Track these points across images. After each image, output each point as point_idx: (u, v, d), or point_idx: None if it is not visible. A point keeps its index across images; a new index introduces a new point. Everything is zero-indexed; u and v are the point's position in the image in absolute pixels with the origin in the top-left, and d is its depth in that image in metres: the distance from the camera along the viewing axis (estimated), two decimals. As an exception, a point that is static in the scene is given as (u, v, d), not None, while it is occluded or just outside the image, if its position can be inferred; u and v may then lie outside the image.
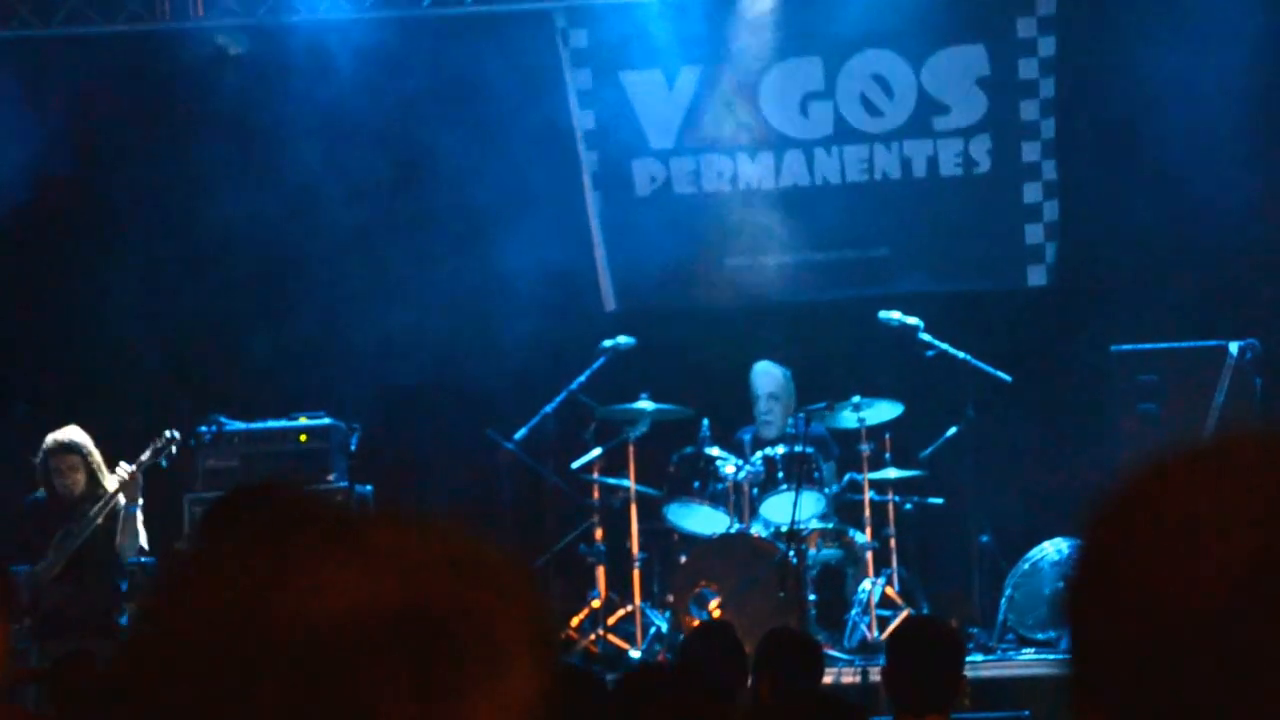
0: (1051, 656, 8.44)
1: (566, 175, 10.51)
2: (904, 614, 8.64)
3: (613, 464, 9.25)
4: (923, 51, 10.29)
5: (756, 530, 8.96)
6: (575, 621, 9.03)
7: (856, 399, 9.06)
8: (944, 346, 9.26)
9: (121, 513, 8.27)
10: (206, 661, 1.03)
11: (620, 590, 9.13)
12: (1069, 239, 10.28)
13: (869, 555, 8.96)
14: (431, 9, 10.32)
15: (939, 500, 9.27)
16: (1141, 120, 9.73)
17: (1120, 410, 9.23)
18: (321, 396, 9.77)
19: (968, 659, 5.92)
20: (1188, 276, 9.80)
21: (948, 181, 10.38)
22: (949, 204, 10.38)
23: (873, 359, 9.72)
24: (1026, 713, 7.93)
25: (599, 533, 9.25)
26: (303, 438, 9.34)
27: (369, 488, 9.30)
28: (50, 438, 8.30)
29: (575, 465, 9.26)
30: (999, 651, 8.72)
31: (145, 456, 8.34)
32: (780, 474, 8.99)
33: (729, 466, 9.07)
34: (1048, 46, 10.22)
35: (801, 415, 9.10)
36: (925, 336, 9.30)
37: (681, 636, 8.12)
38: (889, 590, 8.88)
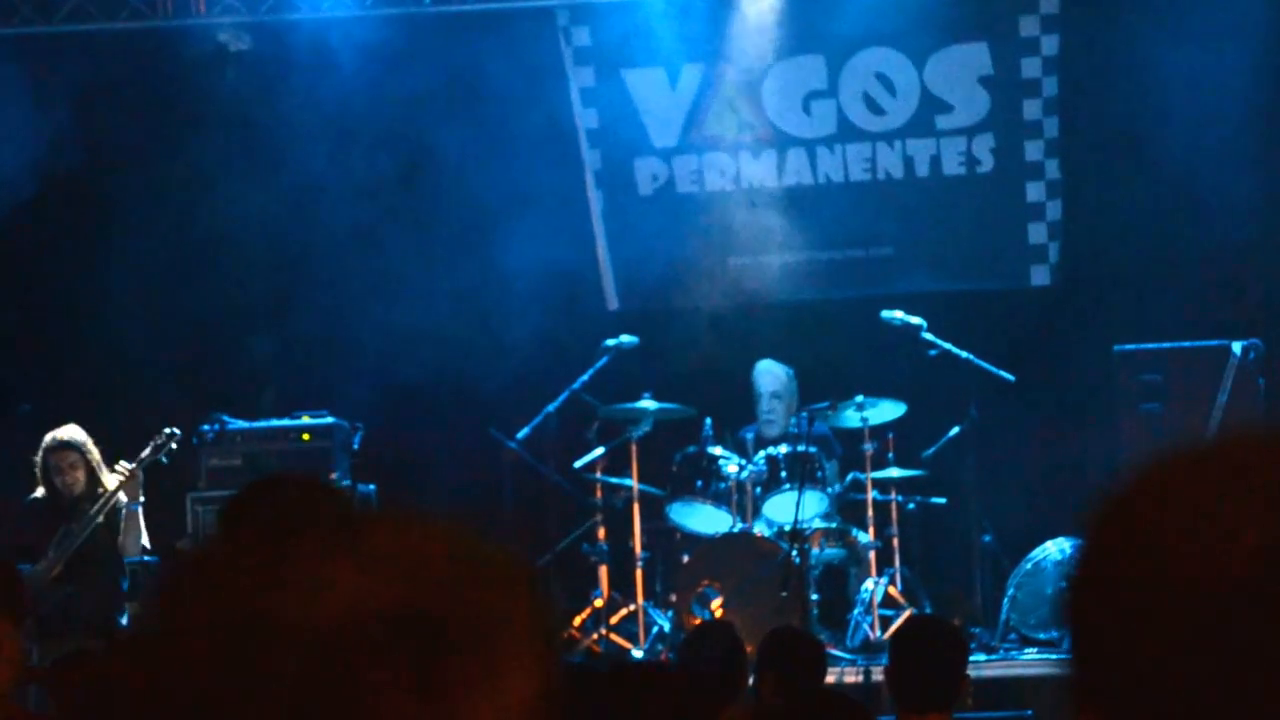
0: (1054, 656, 8.43)
1: (569, 174, 10.50)
2: (906, 613, 8.64)
3: (615, 463, 9.24)
4: (925, 50, 10.28)
5: (759, 530, 8.96)
6: (578, 621, 9.03)
7: (859, 398, 9.06)
8: (947, 346, 9.25)
9: (123, 511, 8.27)
10: (207, 661, 1.03)
11: (623, 589, 9.12)
12: (1072, 238, 10.27)
13: (872, 555, 8.96)
14: (434, 6, 10.32)
15: (942, 500, 9.26)
16: (1145, 119, 9.72)
17: (1123, 410, 9.22)
18: (324, 395, 9.77)
19: (970, 658, 5.91)
20: (1191, 276, 9.79)
21: (951, 180, 10.37)
22: (952, 203, 10.37)
23: (876, 358, 9.71)
24: (1029, 712, 7.93)
25: (601, 532, 9.24)
26: (305, 436, 9.34)
27: (372, 487, 9.31)
28: (50, 435, 8.30)
29: (578, 464, 9.25)
30: (1001, 651, 8.71)
31: (145, 454, 8.34)
32: (783, 473, 8.99)
33: (732, 466, 9.06)
34: (1051, 45, 10.21)
35: (804, 414, 9.09)
36: (928, 336, 9.29)
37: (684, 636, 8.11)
38: (891, 590, 8.87)
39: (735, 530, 8.94)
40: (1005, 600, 8.91)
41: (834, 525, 9.07)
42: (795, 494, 8.69)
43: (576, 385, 9.32)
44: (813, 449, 8.98)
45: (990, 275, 10.36)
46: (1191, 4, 9.74)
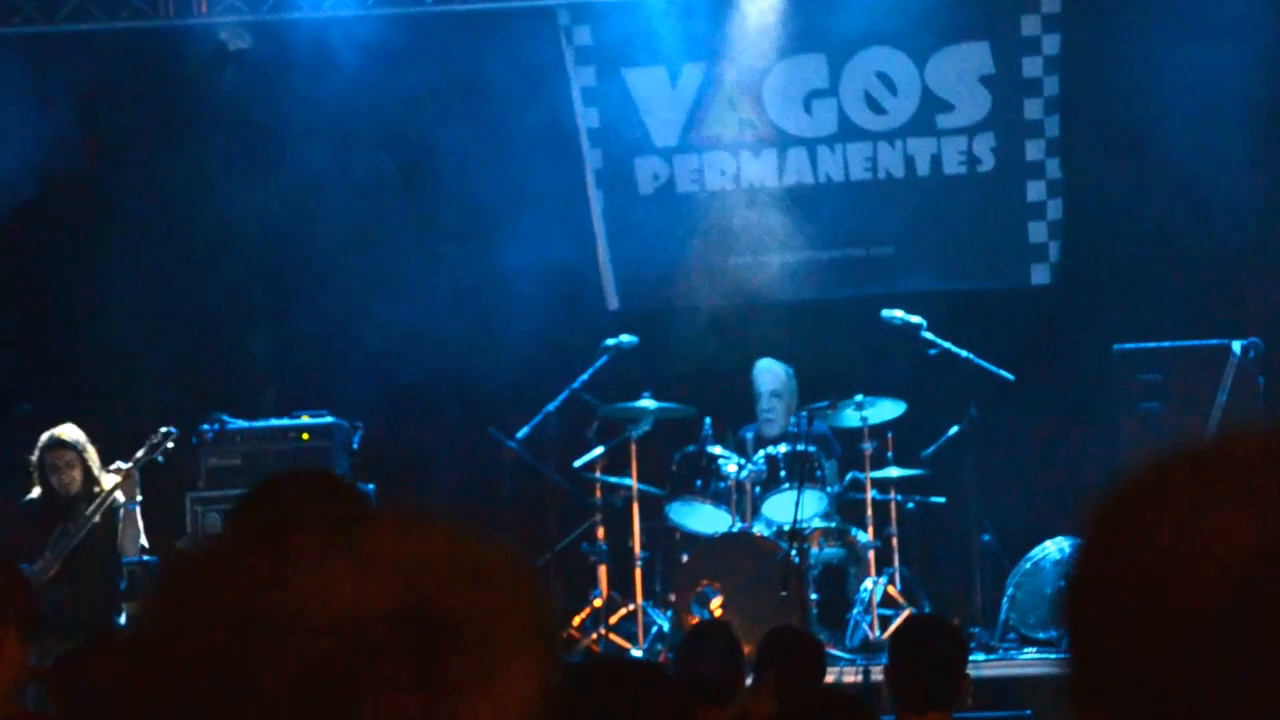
0: (1053, 656, 8.43)
1: (569, 173, 10.49)
2: (906, 613, 8.63)
3: (615, 463, 9.23)
4: (926, 49, 10.27)
5: (758, 529, 8.95)
6: (577, 620, 9.02)
7: (859, 397, 9.05)
8: (947, 345, 9.25)
9: (120, 511, 8.27)
10: (207, 661, 1.03)
11: (622, 589, 9.12)
12: (1072, 238, 10.26)
13: (871, 554, 8.95)
14: (435, 6, 10.31)
15: (941, 499, 9.26)
16: (1145, 119, 9.71)
17: (1123, 409, 9.22)
18: (324, 395, 9.77)
19: (969, 658, 5.91)
20: (1191, 275, 9.79)
21: (951, 180, 10.36)
22: (952, 202, 10.36)
23: (875, 358, 9.71)
24: (1028, 712, 7.92)
25: (601, 531, 9.24)
26: (305, 436, 9.34)
27: (371, 486, 9.30)
28: (46, 434, 8.30)
29: (577, 464, 9.25)
30: (1001, 650, 8.71)
31: (141, 454, 8.34)
32: (782, 473, 8.98)
33: (731, 465, 9.06)
34: (1052, 45, 10.21)
35: (804, 414, 9.08)
36: (928, 335, 9.29)
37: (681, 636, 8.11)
38: (891, 589, 8.86)
39: (735, 530, 8.94)
40: (1004, 600, 8.91)
41: (833, 525, 9.06)
42: (794, 493, 8.68)
43: (576, 384, 9.31)
44: (812, 448, 8.97)
45: (990, 274, 10.35)
46: (1192, 3, 9.74)
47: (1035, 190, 10.33)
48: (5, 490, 8.76)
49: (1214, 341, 9.15)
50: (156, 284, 10.40)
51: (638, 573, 9.05)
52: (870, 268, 10.42)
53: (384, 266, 10.38)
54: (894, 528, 9.05)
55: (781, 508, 8.87)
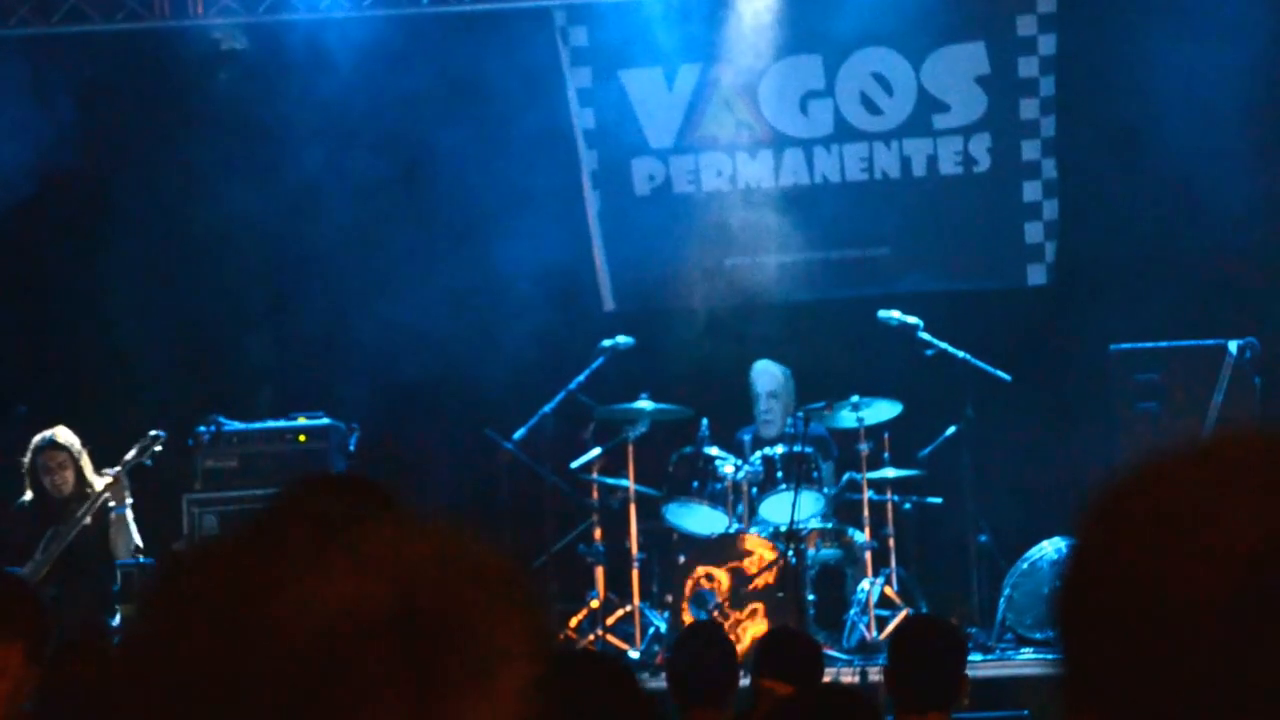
0: (1050, 656, 8.41)
1: (565, 174, 10.49)
2: (903, 613, 8.63)
3: (612, 464, 9.22)
4: (922, 50, 10.28)
5: (755, 530, 8.94)
6: (574, 622, 9.01)
7: (855, 398, 9.04)
8: (943, 346, 9.24)
9: (111, 514, 8.26)
10: (200, 663, 1.03)
11: (619, 590, 9.11)
12: (1069, 238, 10.27)
13: (868, 555, 8.94)
14: (430, 7, 10.30)
15: (938, 500, 9.25)
16: (1141, 119, 9.71)
17: (1120, 409, 9.22)
18: (320, 396, 9.76)
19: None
20: (1187, 275, 9.79)
21: (947, 180, 10.36)
22: (949, 203, 10.36)
23: (872, 358, 9.70)
24: (1025, 712, 7.91)
25: (598, 533, 9.23)
26: (302, 438, 9.33)
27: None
28: (39, 436, 8.30)
29: (574, 465, 9.24)
30: (998, 651, 8.70)
31: (129, 456, 8.33)
32: (779, 474, 8.97)
33: (728, 466, 9.05)
34: (1048, 45, 10.21)
35: (800, 415, 9.08)
36: (924, 336, 9.28)
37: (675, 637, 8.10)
38: (888, 590, 8.86)
39: (731, 531, 8.93)
40: (1001, 600, 8.90)
41: (830, 525, 9.06)
42: (791, 494, 8.68)
43: (573, 386, 9.30)
44: (809, 449, 8.97)
45: (987, 275, 10.36)
46: (1188, 3, 9.74)
47: (1031, 190, 10.33)
48: (4, 492, 8.75)
49: (1210, 341, 9.15)
50: (153, 285, 10.39)
51: (635, 574, 9.03)
52: (867, 268, 10.42)
53: (380, 268, 10.37)
54: (891, 528, 9.04)
55: (778, 509, 8.87)
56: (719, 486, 9.03)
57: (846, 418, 9.10)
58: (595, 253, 10.58)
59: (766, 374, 9.52)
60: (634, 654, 8.80)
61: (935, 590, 9.20)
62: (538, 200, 10.17)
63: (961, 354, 9.23)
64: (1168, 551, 1.05)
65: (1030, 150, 10.29)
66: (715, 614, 8.56)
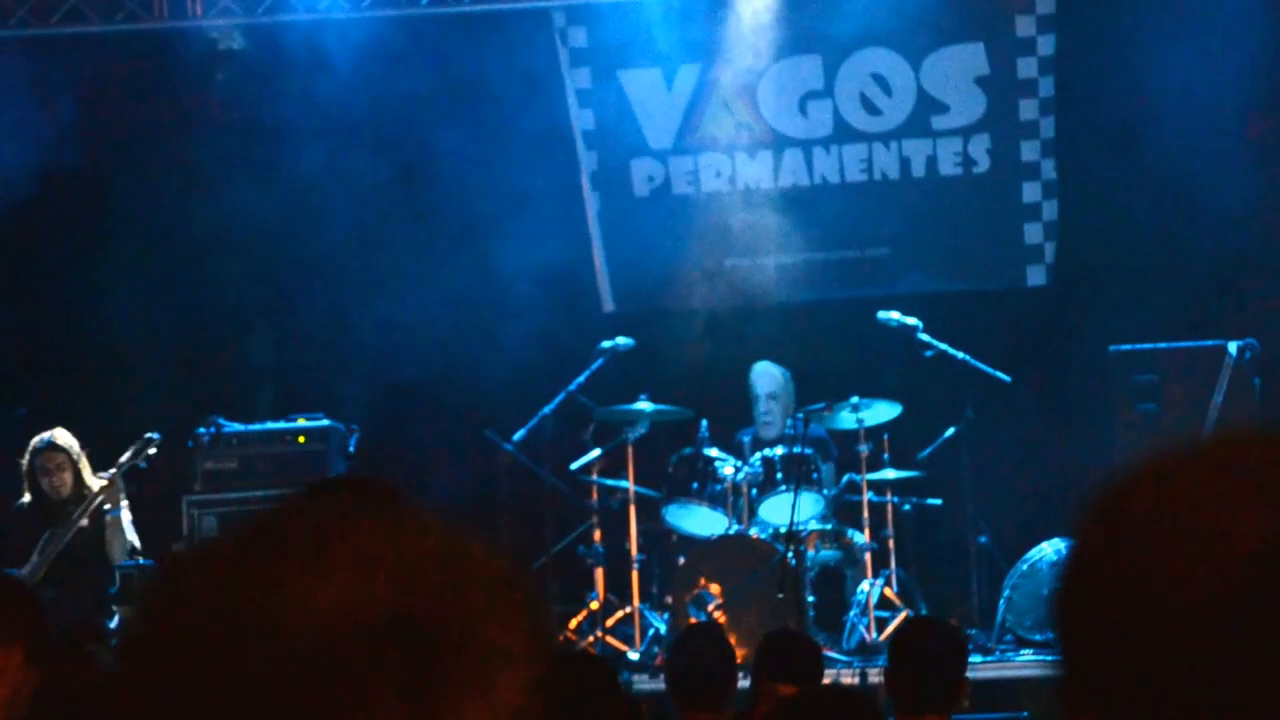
0: (1050, 658, 8.39)
1: (565, 175, 10.48)
2: (902, 615, 8.62)
3: (611, 465, 9.21)
4: (922, 50, 10.27)
5: (755, 531, 8.94)
6: (574, 623, 9.00)
7: (855, 399, 9.03)
8: (943, 347, 9.24)
9: (106, 516, 8.25)
10: (199, 664, 1.02)
11: (619, 592, 9.10)
12: (1068, 239, 10.26)
13: (867, 556, 8.93)
14: (430, 8, 10.30)
15: (937, 501, 9.24)
16: (1141, 119, 9.71)
17: (1119, 410, 9.21)
18: (320, 397, 9.75)
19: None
20: (1187, 276, 9.78)
21: (947, 181, 10.36)
22: (948, 203, 10.36)
23: (872, 359, 9.70)
24: (1025, 714, 7.91)
25: (598, 534, 9.22)
26: (301, 439, 9.32)
27: (367, 489, 9.27)
28: (37, 438, 8.30)
29: (574, 466, 9.23)
30: (997, 652, 8.69)
31: (124, 459, 8.33)
32: (779, 475, 8.96)
33: (728, 468, 9.04)
34: (1047, 45, 10.20)
35: (800, 416, 9.07)
36: (924, 337, 9.27)
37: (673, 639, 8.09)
38: (888, 591, 8.85)
39: (731, 532, 8.92)
40: (1001, 601, 8.89)
41: (830, 527, 9.05)
42: (791, 496, 8.67)
43: (572, 387, 9.29)
44: (808, 450, 8.96)
45: (986, 276, 10.35)
46: (1188, 4, 9.74)
47: (1031, 191, 10.33)
48: (3, 494, 8.75)
49: (1209, 343, 9.14)
50: (153, 286, 10.39)
51: (634, 575, 9.02)
52: (866, 269, 10.42)
53: (380, 269, 10.37)
54: (890, 530, 9.03)
55: (778, 510, 8.86)
56: (719, 488, 9.02)
57: (846, 419, 9.10)
58: (595, 254, 10.57)
59: (766, 375, 9.51)
60: (633, 655, 8.80)
61: (935, 591, 9.19)
62: (537, 201, 10.16)
63: (961, 355, 9.22)
64: (1167, 552, 1.05)
65: (1030, 151, 10.28)
66: (714, 615, 8.55)
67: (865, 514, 8.98)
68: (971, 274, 10.34)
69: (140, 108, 10.42)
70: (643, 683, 8.28)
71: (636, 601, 8.99)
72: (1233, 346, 9.01)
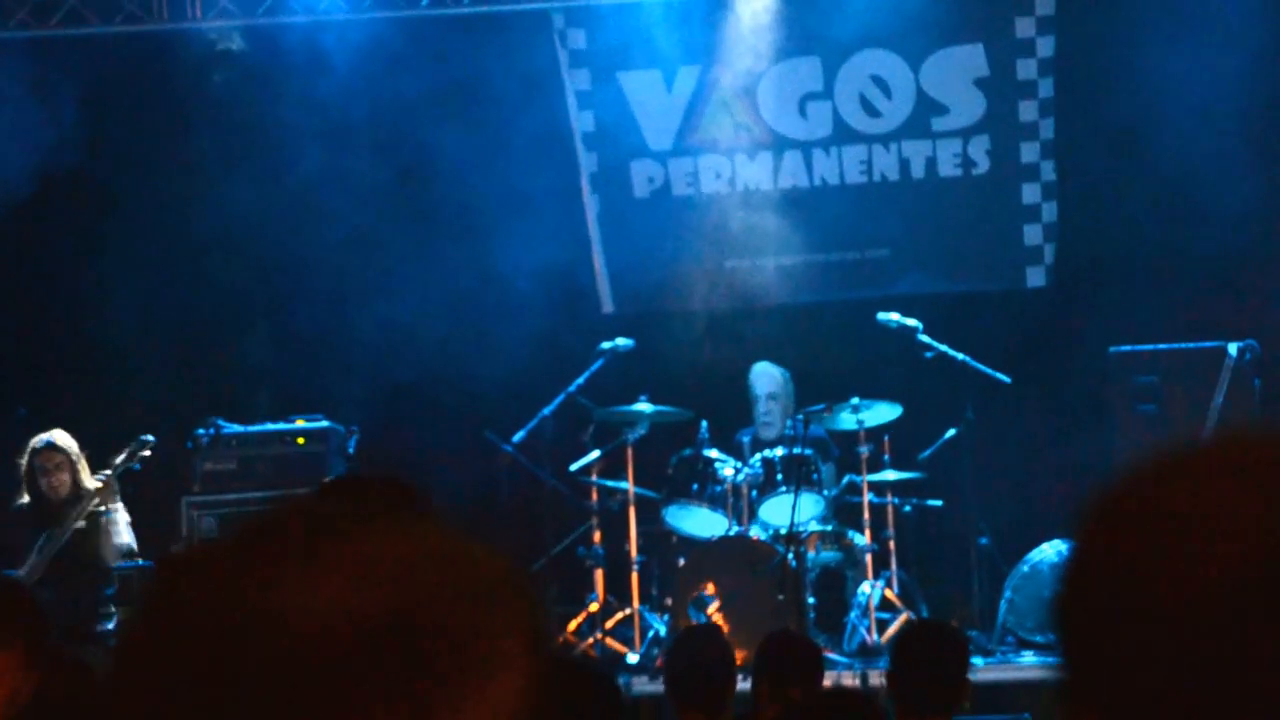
0: (1051, 660, 8.38)
1: (564, 176, 10.47)
2: (903, 617, 8.61)
3: (611, 466, 9.20)
4: (921, 52, 10.26)
5: (755, 533, 8.92)
6: (573, 625, 8.99)
7: (855, 400, 9.02)
8: (943, 348, 9.22)
9: (100, 519, 8.24)
10: (195, 666, 1.02)
11: (619, 593, 9.08)
12: (1068, 240, 10.25)
13: (868, 558, 8.91)
14: (429, 9, 10.29)
15: (938, 502, 9.22)
16: (1140, 121, 9.69)
17: (1120, 412, 9.19)
18: (320, 398, 9.74)
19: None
20: (1186, 277, 9.77)
21: (946, 182, 10.35)
22: (948, 205, 10.34)
23: (872, 360, 9.68)
24: (1026, 716, 7.89)
25: (597, 535, 9.20)
26: (300, 440, 9.31)
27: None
28: (36, 438, 8.29)
29: (574, 467, 9.21)
30: (998, 654, 8.68)
31: (118, 460, 8.31)
32: (779, 476, 8.94)
33: (728, 469, 9.03)
34: (1046, 47, 10.19)
35: (800, 417, 9.06)
36: (924, 338, 9.25)
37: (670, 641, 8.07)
38: (888, 593, 8.83)
39: (731, 533, 8.91)
40: (1002, 603, 8.88)
41: (830, 528, 9.03)
42: (791, 497, 8.65)
43: (572, 388, 9.28)
44: (809, 451, 8.94)
45: (986, 277, 10.34)
46: (1187, 5, 9.73)
47: (1030, 193, 10.32)
48: (4, 495, 8.74)
49: (1209, 344, 9.13)
50: (152, 287, 10.37)
51: (634, 577, 9.01)
52: (866, 270, 10.41)
53: (379, 269, 10.36)
54: (891, 531, 9.01)
55: (778, 511, 8.84)
56: (719, 489, 9.00)
57: (846, 420, 9.08)
58: (594, 255, 10.56)
59: (766, 376, 9.50)
60: (633, 657, 8.78)
61: (935, 593, 9.17)
62: (536, 203, 10.15)
63: (961, 356, 9.20)
64: (1167, 552, 1.05)
65: (1029, 152, 10.27)
66: (714, 617, 8.53)
67: (866, 515, 8.96)
68: (971, 275, 10.33)
69: (139, 109, 10.41)
70: (642, 685, 8.26)
71: (636, 603, 8.97)
72: (1233, 348, 8.99)
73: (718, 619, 8.49)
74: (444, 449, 10.01)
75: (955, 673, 4.56)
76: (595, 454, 9.16)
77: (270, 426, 9.43)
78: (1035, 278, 10.33)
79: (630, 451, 9.10)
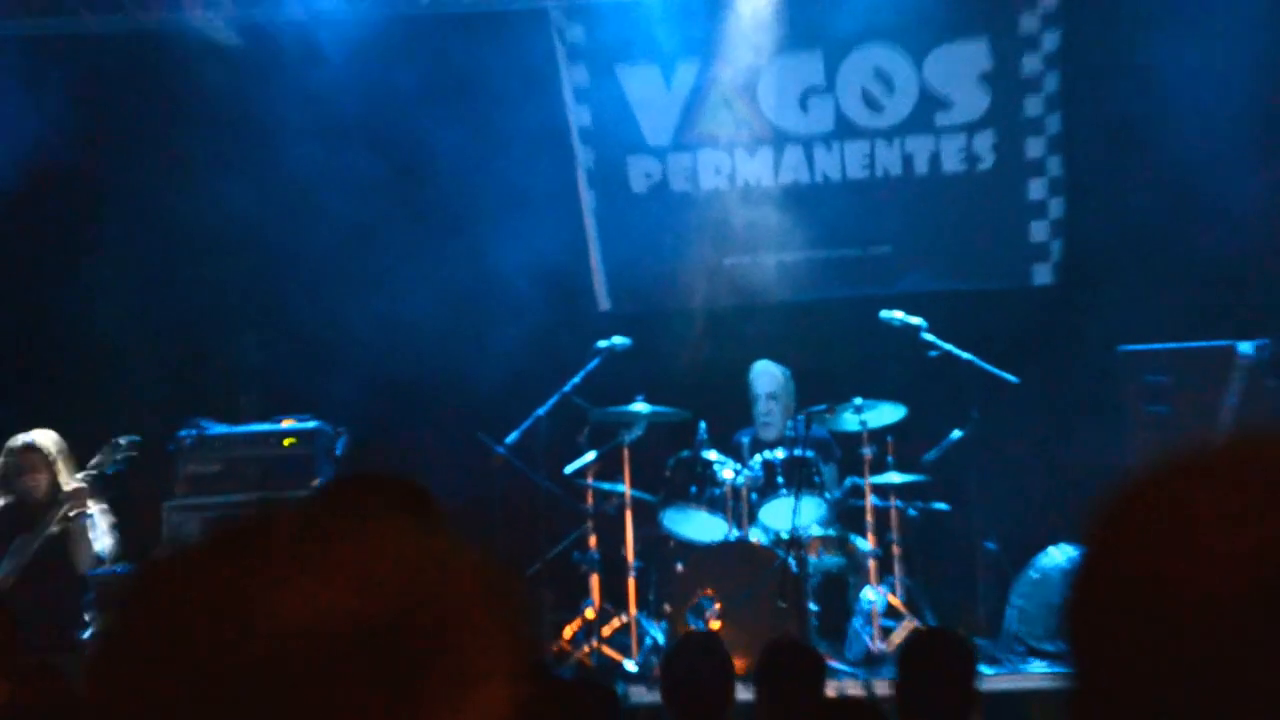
0: (1061, 669, 8.23)
1: (561, 172, 10.42)
2: (907, 623, 8.47)
3: (607, 468, 9.10)
4: (924, 46, 10.22)
5: (755, 537, 8.80)
6: (569, 632, 8.86)
7: (858, 401, 8.90)
8: (948, 347, 9.11)
9: (74, 524, 8.03)
10: (175, 670, 1.02)
11: (615, 600, 8.96)
12: (1075, 236, 10.21)
13: (871, 562, 8.79)
14: (427, 6, 10.25)
15: (944, 505, 9.11)
16: (1148, 115, 9.67)
17: (1129, 412, 9.11)
18: (309, 398, 9.63)
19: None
20: (1196, 274, 9.73)
21: (950, 178, 10.28)
22: (952, 201, 10.28)
23: (875, 360, 9.62)
24: (1035, 725, 7.73)
25: (593, 539, 9.08)
26: (287, 442, 9.13)
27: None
28: (15, 438, 8.11)
29: (569, 469, 9.11)
30: (1005, 663, 8.51)
31: (93, 462, 8.12)
32: (780, 478, 8.83)
33: (727, 471, 8.90)
34: (1051, 41, 10.14)
35: (801, 417, 8.93)
36: (928, 336, 9.15)
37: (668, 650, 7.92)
38: (892, 599, 8.71)
39: (731, 538, 8.78)
40: (1011, 610, 8.75)
41: (832, 532, 8.91)
42: (792, 500, 8.56)
43: (567, 388, 9.17)
44: (810, 453, 8.84)
45: (991, 274, 10.27)
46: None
47: (1036, 188, 10.25)
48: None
49: (1220, 342, 9.02)
50: (143, 284, 10.42)
51: (631, 582, 8.89)
52: (868, 268, 10.33)
53: (372, 267, 10.37)
54: (895, 535, 8.89)
55: (779, 514, 8.74)
56: (718, 491, 8.88)
57: (849, 420, 8.95)
58: (591, 252, 10.50)
59: (766, 375, 9.40)
60: (631, 666, 8.64)
61: (941, 599, 9.05)
62: (533, 199, 10.13)
63: (966, 355, 9.10)
64: (1179, 557, 1.04)
65: (1035, 148, 10.20)
66: (713, 624, 8.38)
67: (869, 519, 8.84)
68: (976, 273, 10.26)
69: (133, 104, 10.45)
70: (640, 695, 8.11)
71: (633, 610, 8.83)
72: (1244, 347, 8.87)
73: (717, 626, 8.34)
74: (436, 450, 9.89)
75: (963, 683, 4.43)
76: (591, 455, 9.04)
77: (256, 427, 9.27)
78: (1042, 275, 10.25)
79: (627, 453, 9.00)
